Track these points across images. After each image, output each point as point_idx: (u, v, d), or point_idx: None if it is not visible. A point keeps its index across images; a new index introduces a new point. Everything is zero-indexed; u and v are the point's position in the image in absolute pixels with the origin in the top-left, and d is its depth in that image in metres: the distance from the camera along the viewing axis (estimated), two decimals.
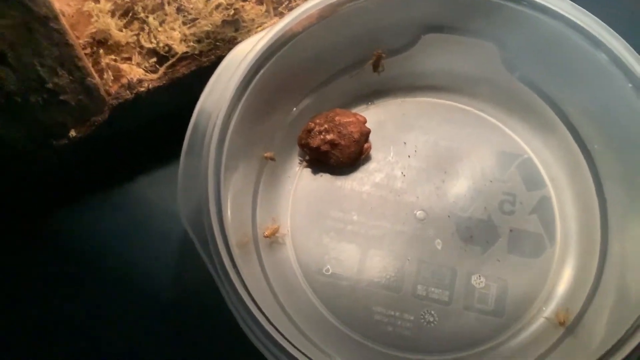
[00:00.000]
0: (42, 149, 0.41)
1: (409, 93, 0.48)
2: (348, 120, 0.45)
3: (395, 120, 0.47)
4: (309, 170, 0.46)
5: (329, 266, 0.42)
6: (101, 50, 0.40)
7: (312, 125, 0.44)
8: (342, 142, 0.44)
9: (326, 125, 0.44)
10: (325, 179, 0.45)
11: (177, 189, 0.35)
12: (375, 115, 0.47)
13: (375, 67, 0.46)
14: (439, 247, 0.43)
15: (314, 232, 0.43)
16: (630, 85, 0.37)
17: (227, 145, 0.37)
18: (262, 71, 0.39)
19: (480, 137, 0.46)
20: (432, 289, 0.41)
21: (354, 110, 0.47)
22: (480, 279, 0.42)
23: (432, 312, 0.41)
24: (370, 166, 0.46)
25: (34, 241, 0.44)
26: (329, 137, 0.44)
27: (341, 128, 0.44)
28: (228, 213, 0.37)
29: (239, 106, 0.37)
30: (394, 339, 0.40)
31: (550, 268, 0.42)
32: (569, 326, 0.39)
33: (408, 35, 0.45)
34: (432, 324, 0.40)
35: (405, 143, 0.46)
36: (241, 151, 0.40)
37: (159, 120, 0.43)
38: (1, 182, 0.42)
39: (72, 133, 0.42)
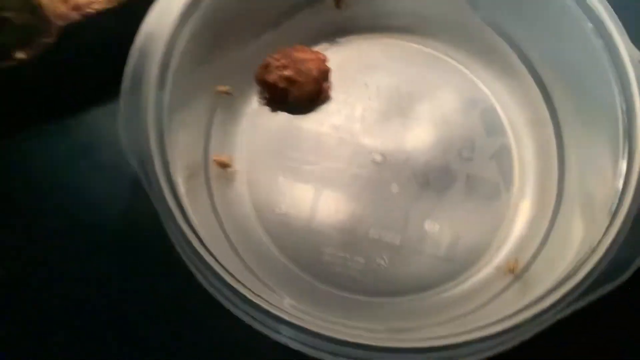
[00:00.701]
0: None
1: (373, 33, 0.46)
2: (307, 57, 0.43)
3: (358, 60, 0.46)
4: (267, 108, 0.44)
5: (282, 205, 0.41)
6: None
7: (270, 60, 0.43)
8: (300, 79, 0.42)
9: (284, 61, 0.42)
10: (283, 117, 0.44)
11: (119, 119, 0.34)
12: (337, 55, 0.46)
13: (337, 2, 0.44)
14: (395, 191, 0.42)
15: (269, 171, 0.42)
16: (590, 25, 0.36)
17: (172, 77, 0.35)
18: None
19: (444, 82, 0.45)
20: (385, 233, 0.41)
21: (316, 49, 0.45)
22: (434, 224, 0.41)
23: (383, 255, 0.40)
24: (329, 107, 0.44)
25: None
26: (286, 73, 0.42)
27: (299, 65, 0.42)
28: (173, 149, 0.35)
29: (186, 32, 0.35)
30: (344, 280, 0.40)
31: (504, 216, 0.42)
32: (517, 273, 0.39)
33: None
34: (382, 267, 0.40)
35: (366, 84, 0.45)
36: (190, 84, 0.38)
37: (113, 49, 0.41)
38: None
39: (19, 55, 0.40)
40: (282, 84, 0.42)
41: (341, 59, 0.45)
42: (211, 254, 0.31)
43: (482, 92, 0.45)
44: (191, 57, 0.37)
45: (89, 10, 0.38)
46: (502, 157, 0.43)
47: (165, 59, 0.34)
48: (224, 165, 0.41)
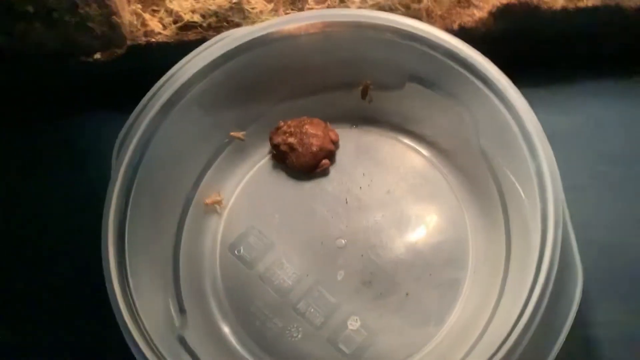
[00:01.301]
0: (71, 59, 0.50)
1: (390, 130, 0.49)
2: (314, 132, 0.47)
3: (367, 150, 0.49)
4: (271, 163, 0.49)
5: (242, 248, 0.47)
6: None
7: (282, 124, 0.48)
8: (300, 149, 0.47)
9: (292, 129, 0.47)
10: (280, 176, 0.49)
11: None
12: (353, 139, 0.49)
13: (363, 95, 0.48)
14: (339, 278, 0.45)
15: (248, 216, 0.47)
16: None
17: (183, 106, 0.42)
18: (243, 55, 0.43)
19: (434, 199, 0.47)
20: (312, 310, 0.44)
21: (338, 127, 0.49)
22: (356, 322, 0.44)
23: (300, 328, 0.44)
24: (323, 181, 0.48)
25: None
26: (290, 139, 0.47)
27: (304, 137, 0.47)
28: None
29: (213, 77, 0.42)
30: (255, 334, 0.44)
31: (424, 347, 0.43)
32: None
33: (395, 77, 0.45)
34: (293, 339, 0.44)
35: (363, 174, 0.48)
36: (210, 121, 0.45)
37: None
38: (31, 79, 0.52)
39: (96, 56, 0.50)
40: (283, 148, 0.47)
41: (354, 143, 0.49)
42: None
43: (462, 222, 0.45)
44: (214, 98, 0.43)
45: (152, 39, 0.47)
46: (447, 292, 0.44)
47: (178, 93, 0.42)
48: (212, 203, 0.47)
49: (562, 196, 0.37)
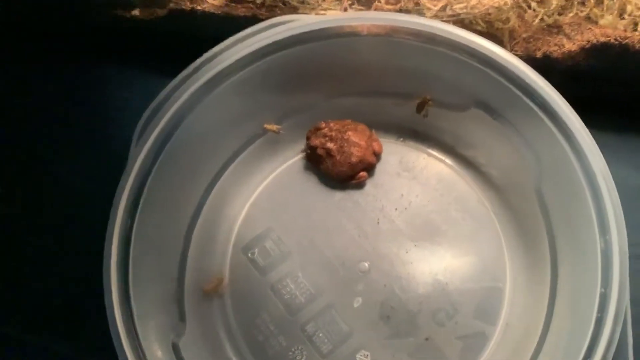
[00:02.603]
0: (105, 9, 0.45)
1: (441, 151, 0.44)
2: (356, 141, 0.43)
3: (410, 168, 0.44)
4: (303, 163, 0.45)
5: (256, 250, 0.43)
6: None
7: (323, 125, 0.43)
8: (338, 157, 0.42)
9: (334, 133, 0.43)
10: (312, 178, 0.44)
11: None
12: (398, 153, 0.45)
13: (419, 109, 0.43)
14: (355, 305, 0.41)
15: (268, 217, 0.43)
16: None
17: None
18: (297, 47, 0.38)
19: (475, 238, 0.42)
20: (320, 335, 0.41)
21: (383, 138, 0.45)
22: (366, 357, 0.40)
23: (305, 352, 0.40)
24: (356, 194, 0.44)
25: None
26: (329, 144, 0.42)
27: (345, 144, 0.42)
28: None
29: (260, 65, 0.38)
30: (256, 349, 0.41)
31: None
32: None
33: (459, 99, 0.40)
34: None
35: (402, 195, 0.43)
36: (245, 109, 0.41)
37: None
38: (68, 25, 0.47)
39: (135, 12, 0.45)
40: (320, 152, 0.43)
41: (397, 158, 0.44)
42: None
43: (501, 270, 0.41)
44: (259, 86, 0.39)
45: (198, 7, 0.42)
46: (472, 344, 0.40)
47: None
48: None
49: (626, 273, 0.33)
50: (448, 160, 0.44)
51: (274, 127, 0.43)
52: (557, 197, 0.37)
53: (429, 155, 0.44)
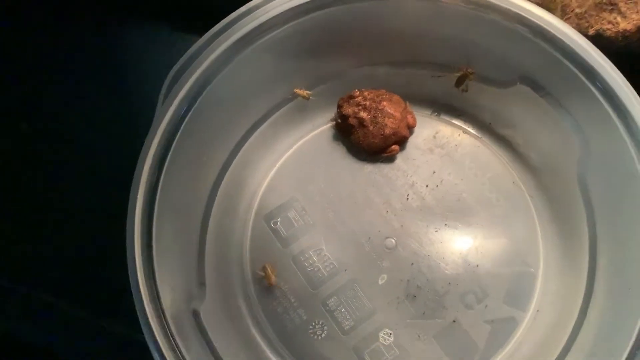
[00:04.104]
0: None
1: (478, 129, 0.42)
2: (392, 112, 0.41)
3: (446, 145, 0.42)
4: (332, 132, 0.43)
5: (279, 220, 0.41)
6: None
7: (357, 94, 0.41)
8: (370, 128, 0.40)
9: (368, 103, 0.41)
10: (340, 148, 0.43)
11: None
12: (432, 128, 0.43)
13: (459, 82, 0.40)
14: (380, 282, 0.40)
15: (293, 186, 0.42)
16: None
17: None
18: (338, 6, 0.36)
19: (509, 221, 0.40)
20: (342, 310, 0.39)
21: (419, 111, 0.43)
22: (389, 336, 0.38)
23: (325, 327, 0.39)
24: (386, 168, 0.42)
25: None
26: (362, 114, 0.40)
27: (379, 115, 0.40)
28: None
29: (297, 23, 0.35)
30: (274, 321, 0.39)
31: None
32: None
33: (504, 74, 0.38)
34: (316, 337, 0.39)
35: (434, 172, 0.42)
36: (277, 72, 0.39)
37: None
38: None
39: None
40: (352, 121, 0.41)
41: (431, 133, 0.42)
42: None
43: (535, 255, 0.39)
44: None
45: None
46: (500, 329, 0.38)
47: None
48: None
49: None
50: (484, 139, 0.42)
51: (304, 92, 0.41)
52: (603, 185, 0.35)
53: (465, 132, 0.42)
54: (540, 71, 0.36)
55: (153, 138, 0.33)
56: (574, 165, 0.37)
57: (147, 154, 0.33)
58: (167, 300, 0.32)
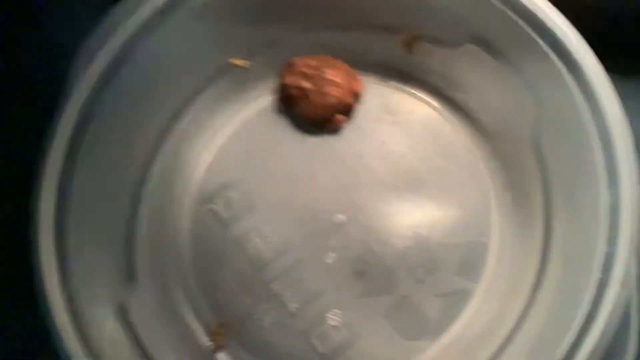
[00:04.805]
0: None
1: (428, 94, 0.40)
2: (336, 80, 0.38)
3: (394, 112, 0.40)
4: (275, 105, 0.40)
5: (219, 202, 0.39)
6: None
7: (297, 62, 0.38)
8: (313, 98, 0.38)
9: (310, 71, 0.38)
10: (283, 121, 0.40)
11: None
12: (380, 95, 0.40)
13: (407, 45, 0.38)
14: (328, 261, 0.37)
15: (233, 165, 0.39)
16: None
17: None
18: None
19: (462, 189, 0.38)
20: (287, 293, 0.37)
21: (366, 77, 0.40)
22: (337, 317, 0.37)
23: (271, 312, 0.37)
24: (332, 140, 0.40)
25: None
26: (304, 83, 0.38)
27: (322, 83, 0.38)
28: None
29: None
30: (218, 310, 0.37)
31: (412, 357, 0.36)
32: None
33: (453, 33, 0.36)
34: (260, 322, 0.37)
35: (383, 142, 0.39)
36: (208, 40, 0.36)
37: None
38: None
39: None
40: (294, 92, 0.38)
41: (379, 101, 0.40)
42: None
43: (489, 223, 0.37)
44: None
45: None
46: (453, 302, 0.36)
47: None
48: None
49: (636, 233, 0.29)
50: (435, 104, 0.40)
51: (242, 62, 0.39)
52: (557, 147, 0.33)
53: (415, 97, 0.40)
54: (490, 29, 0.34)
55: (62, 121, 0.30)
56: (528, 128, 0.35)
57: (55, 137, 0.30)
58: (85, 296, 0.29)
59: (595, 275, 0.28)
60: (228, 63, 0.38)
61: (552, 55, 0.30)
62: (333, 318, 0.37)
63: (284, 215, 0.38)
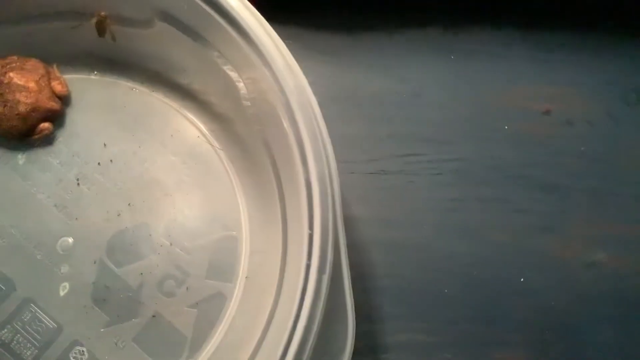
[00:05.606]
0: None
1: (146, 81, 0.36)
2: (22, 84, 0.32)
3: (112, 108, 0.35)
4: None
5: None
6: None
7: None
8: (1, 110, 0.32)
9: None
10: None
11: None
12: (93, 91, 0.35)
13: (100, 30, 0.33)
14: (62, 293, 0.32)
15: None
16: None
17: None
18: None
19: (201, 182, 0.35)
20: (20, 339, 0.32)
21: (74, 74, 0.35)
22: (82, 354, 0.32)
23: None
24: (42, 154, 0.34)
25: None
26: None
27: (7, 91, 0.32)
28: None
29: None
30: None
31: None
32: None
33: (138, 11, 0.31)
34: None
35: (105, 145, 0.34)
36: None
37: None
38: None
39: None
40: None
41: (94, 98, 0.35)
42: None
43: (235, 215, 0.34)
44: None
45: None
46: (208, 310, 0.33)
47: None
48: None
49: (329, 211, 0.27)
50: (158, 92, 0.35)
51: None
52: (270, 123, 0.30)
53: (133, 88, 0.35)
54: (174, 5, 0.30)
55: None
56: (245, 107, 0.32)
57: None
58: None
59: (305, 262, 0.26)
60: None
61: (230, 30, 0.27)
62: (77, 357, 0.32)
63: (2, 250, 0.32)
